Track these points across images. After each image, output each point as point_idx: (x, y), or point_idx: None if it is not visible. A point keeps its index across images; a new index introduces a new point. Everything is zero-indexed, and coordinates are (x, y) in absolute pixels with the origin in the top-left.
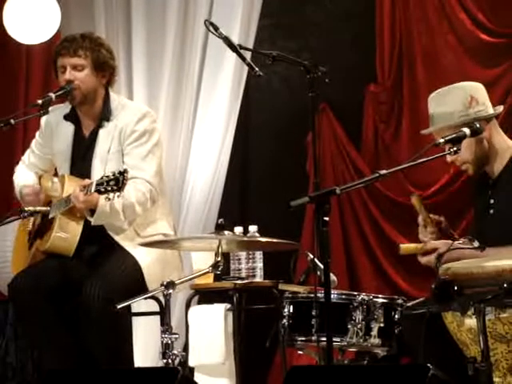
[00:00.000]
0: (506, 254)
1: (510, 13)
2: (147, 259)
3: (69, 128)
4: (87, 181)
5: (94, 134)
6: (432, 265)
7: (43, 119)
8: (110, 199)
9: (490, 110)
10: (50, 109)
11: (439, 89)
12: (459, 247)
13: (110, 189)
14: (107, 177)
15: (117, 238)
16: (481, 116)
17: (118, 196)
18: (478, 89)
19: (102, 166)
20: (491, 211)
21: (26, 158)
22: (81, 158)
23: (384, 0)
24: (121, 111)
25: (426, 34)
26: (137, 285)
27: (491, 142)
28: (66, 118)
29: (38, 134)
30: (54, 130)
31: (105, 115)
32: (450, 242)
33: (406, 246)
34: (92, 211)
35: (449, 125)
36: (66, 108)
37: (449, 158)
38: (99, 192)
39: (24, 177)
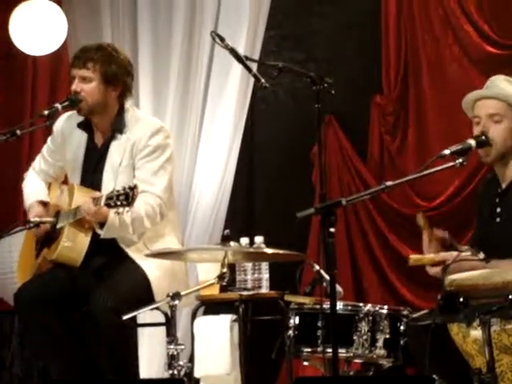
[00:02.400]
0: (511, 265)
1: None
2: (156, 273)
3: (82, 136)
4: (97, 193)
5: (106, 146)
6: (440, 276)
7: (56, 125)
8: (119, 213)
9: None
10: (67, 114)
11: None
12: (465, 258)
13: (119, 203)
14: (117, 191)
15: (127, 250)
16: None
17: (128, 211)
18: None
19: (112, 178)
20: (498, 219)
21: (36, 164)
22: (92, 169)
23: (389, 11)
24: (134, 124)
25: (432, 46)
26: (145, 297)
27: None
28: (80, 126)
29: (49, 139)
30: (67, 137)
31: (118, 127)
32: (458, 253)
33: (416, 258)
34: (101, 224)
35: (506, 98)
36: (80, 116)
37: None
38: (109, 206)
39: (34, 188)
